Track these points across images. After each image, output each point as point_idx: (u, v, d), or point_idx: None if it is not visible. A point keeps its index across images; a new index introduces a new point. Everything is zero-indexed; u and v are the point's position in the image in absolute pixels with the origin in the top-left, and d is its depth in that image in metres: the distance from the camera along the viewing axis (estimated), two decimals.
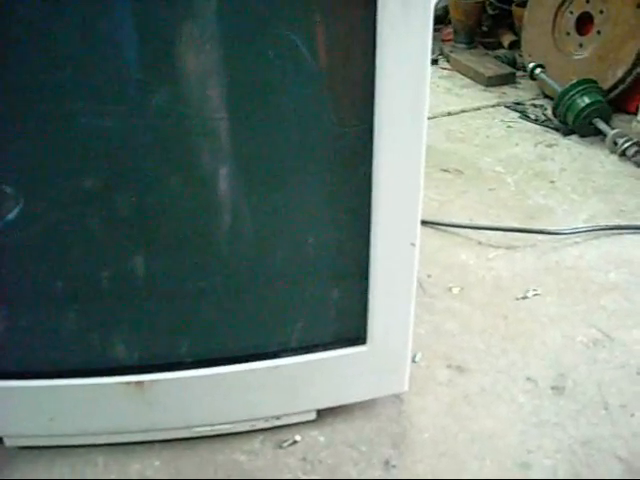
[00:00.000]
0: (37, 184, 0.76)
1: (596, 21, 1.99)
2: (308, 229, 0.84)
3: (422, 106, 0.77)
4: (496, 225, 1.42)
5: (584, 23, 2.04)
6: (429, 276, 1.28)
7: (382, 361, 0.91)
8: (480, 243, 1.39)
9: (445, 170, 1.69)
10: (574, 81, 1.85)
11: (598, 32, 1.98)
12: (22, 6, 0.67)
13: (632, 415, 1.00)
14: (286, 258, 0.84)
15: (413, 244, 0.84)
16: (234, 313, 0.86)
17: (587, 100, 1.83)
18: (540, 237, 1.40)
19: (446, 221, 1.44)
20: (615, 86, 1.92)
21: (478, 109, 2.09)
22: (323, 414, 0.96)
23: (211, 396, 0.88)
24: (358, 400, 0.96)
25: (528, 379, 1.06)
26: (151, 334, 0.85)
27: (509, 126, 1.96)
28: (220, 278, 0.85)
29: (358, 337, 0.89)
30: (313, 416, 0.95)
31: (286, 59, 0.74)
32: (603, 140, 1.82)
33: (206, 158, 0.79)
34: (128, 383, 0.84)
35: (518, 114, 2.03)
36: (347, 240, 0.85)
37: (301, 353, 0.88)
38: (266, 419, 0.93)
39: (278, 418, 0.94)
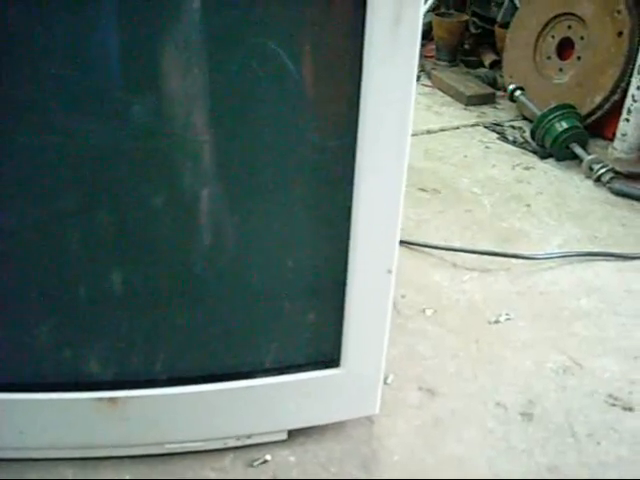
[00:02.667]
0: (14, 199, 0.75)
1: (577, 47, 2.01)
2: (286, 251, 0.84)
3: (406, 126, 0.77)
4: (471, 247, 1.44)
5: (565, 48, 2.06)
6: (403, 296, 1.29)
7: (355, 384, 0.92)
8: (455, 265, 1.40)
9: (422, 189, 1.71)
10: (553, 105, 1.88)
11: (578, 58, 2.01)
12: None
13: (598, 443, 1.01)
14: (263, 279, 0.85)
15: (390, 271, 0.85)
16: (209, 332, 0.86)
17: (565, 125, 1.85)
18: (514, 261, 1.41)
19: (422, 241, 1.45)
20: (593, 112, 1.95)
21: (457, 128, 2.10)
22: (294, 434, 0.97)
23: (184, 414, 0.88)
24: (329, 421, 0.97)
25: (498, 404, 1.07)
26: (126, 350, 0.85)
27: (487, 147, 1.98)
28: (196, 296, 0.85)
29: (332, 360, 0.89)
30: (284, 436, 0.96)
31: (269, 71, 0.74)
32: (579, 165, 1.84)
33: (183, 174, 0.79)
34: (101, 399, 0.84)
35: (496, 135, 2.05)
36: (325, 263, 0.86)
37: (274, 374, 0.89)
38: (237, 438, 0.93)
39: (249, 437, 0.94)
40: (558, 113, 1.87)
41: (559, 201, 1.69)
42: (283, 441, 0.96)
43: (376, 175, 0.79)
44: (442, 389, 1.09)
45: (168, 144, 0.76)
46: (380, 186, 0.80)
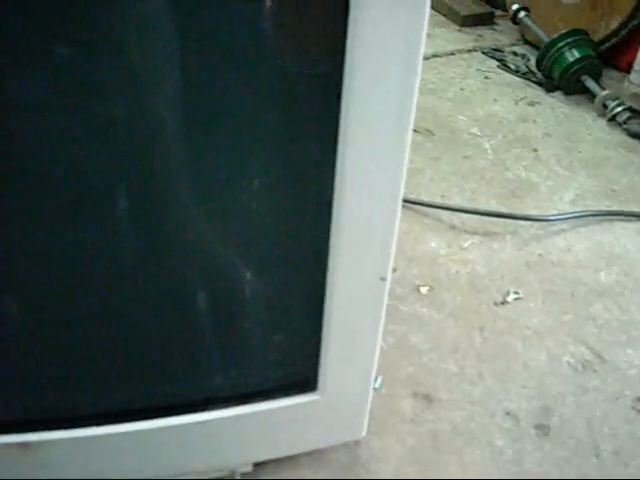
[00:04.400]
0: None
1: None
2: (246, 255, 0.63)
3: (410, 97, 0.55)
4: (472, 206, 1.23)
5: None
6: (394, 270, 1.09)
7: (336, 409, 0.73)
8: (453, 227, 1.20)
9: (414, 130, 1.47)
10: (563, 31, 1.64)
11: None
12: None
13: (626, 465, 0.84)
14: (214, 292, 0.64)
15: (384, 278, 0.64)
16: (146, 356, 0.66)
17: (577, 54, 1.62)
18: (522, 222, 1.21)
19: (414, 197, 1.24)
20: (607, 39, 1.72)
21: (452, 54, 1.87)
22: (262, 463, 0.78)
23: (119, 454, 0.69)
24: (305, 451, 0.78)
25: (508, 414, 0.89)
26: (36, 382, 0.65)
27: (486, 77, 1.75)
28: (126, 309, 0.64)
29: (307, 384, 0.70)
30: (249, 468, 0.77)
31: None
32: (590, 99, 1.63)
33: (116, 160, 0.57)
34: (8, 444, 0.64)
35: (496, 63, 1.81)
36: (296, 269, 0.65)
37: (235, 404, 0.69)
38: (188, 474, 0.74)
39: (204, 473, 0.75)
40: (569, 40, 1.64)
41: (569, 145, 1.48)
42: (248, 473, 0.78)
43: (368, 147, 0.57)
44: (441, 394, 0.90)
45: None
46: (374, 158, 0.58)
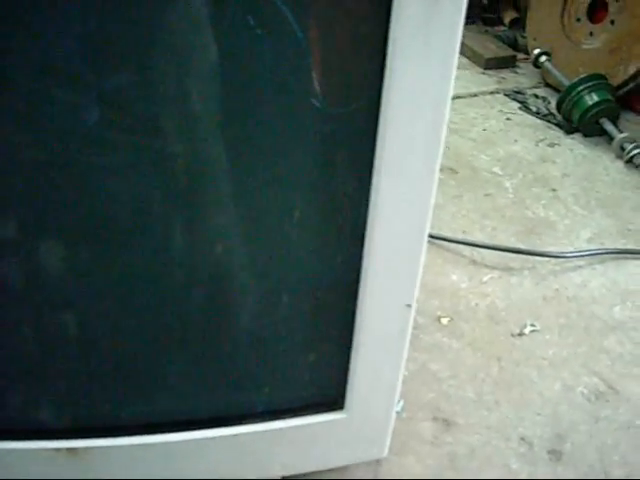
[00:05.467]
0: None
1: (611, 9, 1.82)
2: (283, 282, 0.69)
3: (438, 143, 0.61)
4: (492, 242, 1.29)
5: (597, 10, 1.87)
6: (416, 301, 1.14)
7: (361, 428, 0.78)
8: (474, 262, 1.25)
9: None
10: (583, 76, 1.71)
11: (612, 22, 1.82)
12: None
13: None
14: (252, 314, 0.70)
15: (409, 305, 0.70)
16: (188, 373, 0.72)
17: (596, 98, 1.68)
18: (540, 259, 1.27)
19: (436, 233, 1.30)
20: (625, 83, 1.77)
21: (475, 95, 1.93)
22: (290, 479, 0.83)
23: (159, 464, 0.74)
24: (329, 467, 0.83)
25: (522, 439, 0.93)
26: (87, 395, 0.71)
27: (508, 118, 1.81)
28: (172, 331, 0.70)
29: (335, 403, 0.76)
30: None
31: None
32: (608, 142, 1.68)
33: (157, 188, 0.63)
34: (58, 450, 0.70)
35: (518, 104, 1.88)
36: (329, 296, 0.71)
37: (267, 419, 0.75)
38: None
39: None
40: (588, 84, 1.70)
41: (587, 185, 1.53)
42: None
43: (399, 186, 0.63)
44: (459, 419, 0.95)
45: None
46: (404, 193, 0.64)
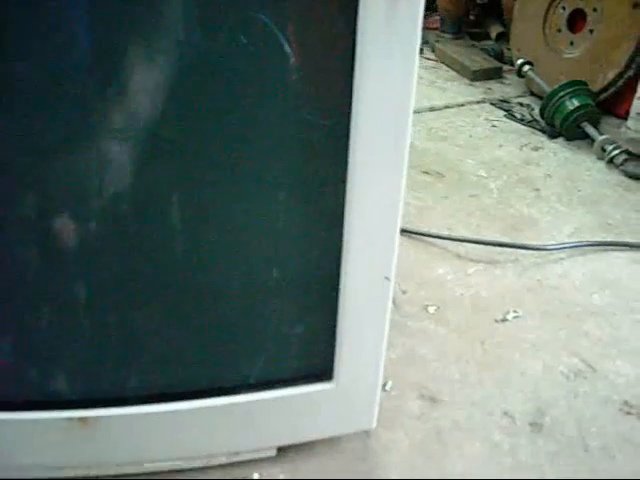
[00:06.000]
0: None
1: (589, 19, 1.91)
2: (272, 258, 0.75)
3: (407, 106, 0.68)
4: (476, 238, 1.35)
5: (577, 20, 1.96)
6: (404, 292, 1.21)
7: (349, 398, 0.84)
8: (459, 256, 1.32)
9: (425, 172, 1.62)
10: (563, 82, 1.78)
11: (590, 31, 1.90)
12: None
13: (613, 457, 0.94)
14: (246, 287, 0.76)
15: (388, 278, 0.76)
16: (187, 346, 0.78)
17: (576, 103, 1.76)
18: (523, 252, 1.33)
19: (424, 230, 1.37)
20: (605, 88, 1.85)
21: (462, 105, 2.01)
22: (284, 450, 0.89)
23: (163, 433, 0.80)
24: (321, 437, 0.89)
25: (505, 414, 0.99)
26: (96, 367, 0.77)
27: (494, 125, 1.88)
28: (172, 308, 0.76)
29: (324, 373, 0.81)
30: (273, 452, 0.88)
31: (259, 45, 0.65)
32: (591, 144, 1.75)
33: (158, 174, 0.70)
34: (70, 419, 0.76)
35: (504, 112, 1.95)
36: (315, 270, 0.77)
37: (261, 389, 0.81)
38: (222, 455, 0.85)
39: (236, 454, 0.86)
40: (569, 90, 1.77)
41: (570, 185, 1.60)
42: (272, 457, 0.88)
43: (372, 170, 0.70)
44: (445, 397, 1.01)
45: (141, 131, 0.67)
46: (377, 182, 0.71)
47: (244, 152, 0.70)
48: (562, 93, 1.77)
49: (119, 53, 0.63)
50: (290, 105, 0.69)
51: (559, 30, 1.99)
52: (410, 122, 0.69)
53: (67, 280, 0.71)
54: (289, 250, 0.76)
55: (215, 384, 0.80)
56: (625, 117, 1.77)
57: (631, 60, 1.79)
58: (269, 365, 0.80)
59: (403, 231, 1.35)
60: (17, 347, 0.74)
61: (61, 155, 0.65)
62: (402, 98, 0.67)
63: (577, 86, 1.78)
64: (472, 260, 1.31)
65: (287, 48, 0.65)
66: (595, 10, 1.89)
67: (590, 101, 1.77)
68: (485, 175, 1.62)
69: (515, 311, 1.18)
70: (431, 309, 1.18)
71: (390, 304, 0.78)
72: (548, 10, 2.00)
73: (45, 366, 0.75)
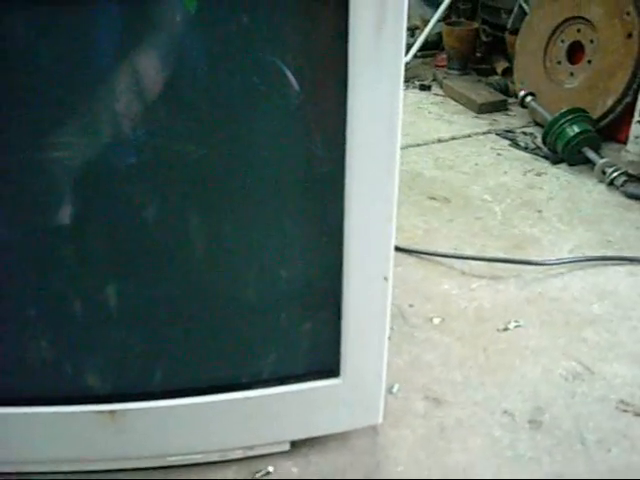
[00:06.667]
0: (8, 213, 0.76)
1: (587, 50, 2.00)
2: (280, 262, 0.84)
3: (394, 129, 0.77)
4: (480, 255, 1.42)
5: (575, 52, 2.05)
6: (411, 306, 1.28)
7: (356, 394, 0.91)
8: (463, 273, 1.39)
9: (432, 198, 1.70)
10: (564, 110, 1.86)
11: (589, 61, 1.99)
12: None
13: (609, 451, 0.99)
14: (258, 291, 0.85)
15: (386, 278, 0.84)
16: (206, 344, 0.86)
17: (576, 129, 1.83)
18: (524, 267, 1.40)
19: (430, 250, 1.44)
20: (605, 115, 1.93)
21: (469, 136, 2.09)
22: (297, 445, 0.96)
23: (183, 426, 0.88)
24: (331, 432, 0.96)
25: (505, 412, 1.05)
26: (124, 363, 0.85)
27: (499, 154, 1.97)
28: (192, 309, 0.85)
29: (331, 370, 0.89)
30: (287, 447, 0.95)
31: (263, 81, 0.74)
32: (592, 169, 1.82)
33: (179, 188, 0.79)
34: (100, 412, 0.84)
35: (508, 142, 2.03)
36: (319, 273, 0.85)
37: (273, 385, 0.88)
38: (239, 449, 0.93)
39: (251, 449, 0.93)
40: (569, 117, 1.85)
41: (571, 206, 1.67)
42: (286, 452, 0.95)
43: (367, 182, 0.78)
44: (448, 398, 1.07)
45: (164, 153, 0.77)
46: (372, 193, 0.79)
47: (264, 176, 0.80)
48: (563, 120, 1.85)
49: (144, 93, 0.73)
50: (296, 135, 0.79)
51: (559, 62, 2.08)
52: (399, 134, 0.77)
53: (99, 283, 0.80)
54: (296, 257, 0.85)
55: (231, 380, 0.87)
56: (625, 142, 1.85)
57: (628, 87, 1.87)
58: (280, 362, 0.88)
59: (411, 251, 1.43)
60: (51, 345, 0.82)
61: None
62: (391, 113, 0.76)
63: (577, 113, 1.86)
64: (476, 276, 1.38)
65: (295, 85, 0.75)
66: (592, 42, 1.98)
67: (590, 127, 1.85)
68: (490, 199, 1.70)
69: (516, 321, 1.25)
70: (436, 320, 1.25)
71: (389, 302, 0.86)
72: (548, 44, 2.10)
73: (77, 363, 0.84)
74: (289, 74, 0.74)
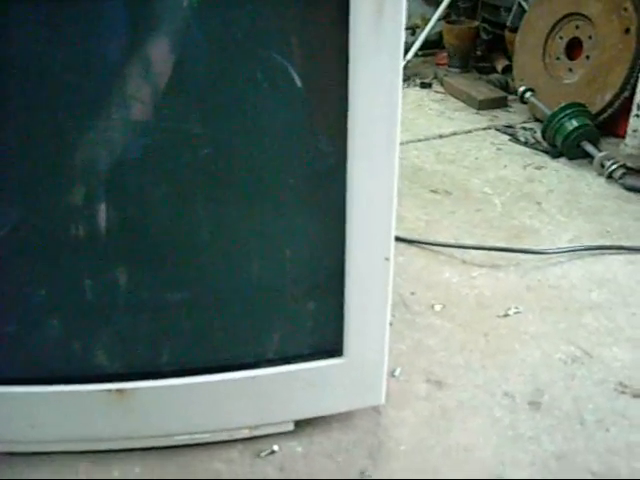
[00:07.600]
0: (19, 195, 0.78)
1: (585, 46, 2.02)
2: (285, 243, 0.86)
3: (394, 124, 0.79)
4: (480, 244, 1.44)
5: (574, 48, 2.07)
6: (412, 293, 1.30)
7: (359, 373, 0.93)
8: (464, 262, 1.41)
9: (434, 191, 1.72)
10: (563, 104, 1.88)
11: (587, 57, 2.01)
12: None
13: (607, 430, 1.01)
14: (263, 271, 0.87)
15: (387, 259, 0.86)
16: (213, 324, 0.88)
17: (575, 123, 1.86)
18: (524, 256, 1.42)
19: (432, 240, 1.46)
20: (604, 110, 1.95)
21: (469, 132, 2.11)
22: (301, 425, 0.98)
23: (190, 405, 0.90)
24: (335, 412, 0.98)
25: (506, 394, 1.07)
26: (132, 343, 0.87)
27: (499, 148, 1.99)
28: (200, 290, 0.87)
29: (335, 349, 0.91)
30: (291, 427, 0.97)
31: (267, 75, 0.77)
32: (591, 163, 1.84)
33: (187, 173, 0.81)
34: (109, 390, 0.86)
35: (508, 137, 2.05)
36: (323, 254, 0.87)
37: (278, 364, 0.90)
38: (245, 429, 0.95)
39: (257, 428, 0.95)
40: (568, 112, 1.87)
41: (570, 198, 1.69)
42: (290, 432, 0.97)
43: (368, 166, 0.81)
44: (450, 381, 1.09)
45: (174, 142, 0.79)
46: (372, 176, 0.81)
47: (270, 165, 0.83)
48: (562, 115, 1.87)
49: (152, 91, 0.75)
50: (300, 127, 0.82)
51: (558, 58, 2.10)
52: (399, 120, 0.79)
53: (110, 264, 0.82)
54: (301, 240, 0.87)
55: (238, 359, 0.90)
56: (624, 136, 1.86)
57: (626, 82, 1.89)
58: (285, 341, 0.90)
59: (413, 242, 1.45)
60: (61, 325, 0.85)
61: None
62: (390, 103, 0.78)
63: (576, 108, 1.88)
64: (476, 265, 1.40)
65: (298, 81, 0.77)
66: (590, 38, 2.00)
67: (588, 121, 1.87)
68: (490, 192, 1.72)
69: (516, 307, 1.27)
70: (437, 307, 1.27)
71: (391, 282, 0.88)
72: (547, 40, 2.12)
73: (87, 342, 0.86)
74: (290, 67, 0.76)
